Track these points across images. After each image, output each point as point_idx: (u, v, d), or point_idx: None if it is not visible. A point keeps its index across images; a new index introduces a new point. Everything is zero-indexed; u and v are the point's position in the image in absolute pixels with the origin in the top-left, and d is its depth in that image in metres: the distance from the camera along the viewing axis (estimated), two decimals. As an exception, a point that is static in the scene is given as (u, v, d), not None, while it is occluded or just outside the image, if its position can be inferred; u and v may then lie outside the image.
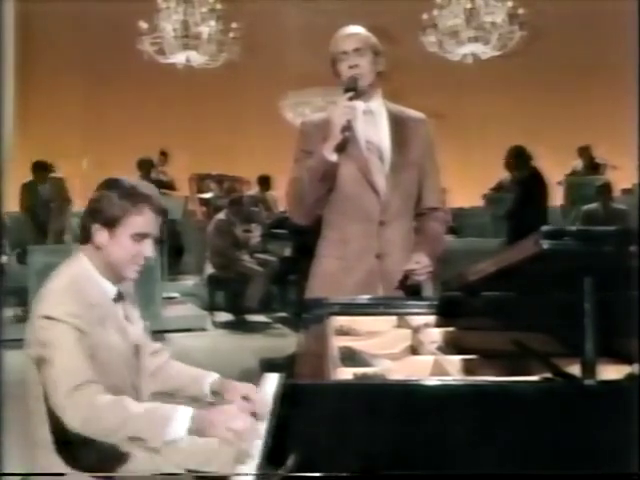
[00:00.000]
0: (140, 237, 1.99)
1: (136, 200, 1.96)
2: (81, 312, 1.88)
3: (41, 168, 9.37)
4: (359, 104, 2.76)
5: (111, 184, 2.01)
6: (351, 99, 2.69)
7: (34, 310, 1.92)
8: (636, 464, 1.44)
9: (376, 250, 2.78)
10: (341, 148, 2.70)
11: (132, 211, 1.96)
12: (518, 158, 7.24)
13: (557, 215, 9.74)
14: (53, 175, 9.35)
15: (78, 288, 1.93)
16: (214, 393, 2.09)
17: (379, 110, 2.85)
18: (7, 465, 2.45)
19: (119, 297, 2.06)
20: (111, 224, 1.96)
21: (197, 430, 1.77)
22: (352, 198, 2.78)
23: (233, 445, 1.74)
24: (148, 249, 2.01)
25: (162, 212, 2.04)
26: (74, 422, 1.79)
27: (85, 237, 2.01)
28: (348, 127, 2.69)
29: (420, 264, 2.75)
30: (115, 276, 2.03)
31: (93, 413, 1.78)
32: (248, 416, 1.82)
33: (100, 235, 1.97)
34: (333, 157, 2.68)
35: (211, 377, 2.13)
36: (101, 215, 1.96)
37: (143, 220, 1.98)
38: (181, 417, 1.77)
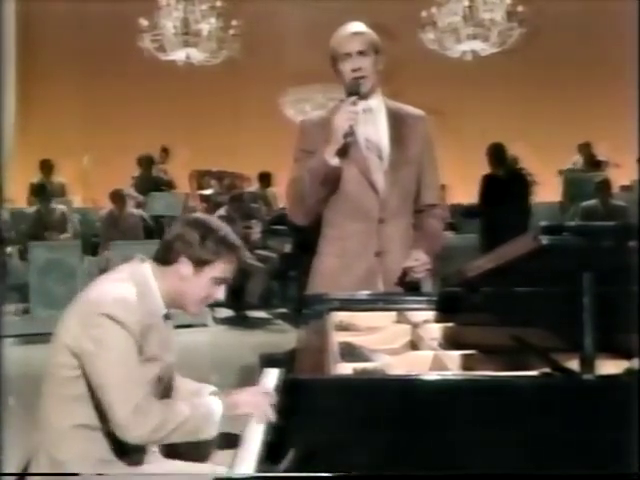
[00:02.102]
0: (219, 281, 2.06)
1: (230, 249, 2.04)
2: (141, 318, 1.92)
3: (47, 166, 9.44)
4: (359, 104, 2.75)
5: (209, 224, 2.06)
6: (354, 103, 2.68)
7: (89, 304, 1.93)
8: (636, 464, 1.45)
9: (375, 248, 2.78)
10: (343, 152, 2.69)
11: (224, 259, 2.02)
12: (496, 156, 7.21)
13: (556, 211, 9.76)
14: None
15: (142, 295, 1.97)
16: None
17: (378, 107, 2.84)
18: (7, 465, 2.45)
19: (168, 317, 2.09)
20: (201, 263, 2.01)
21: (227, 412, 1.94)
22: (351, 196, 2.78)
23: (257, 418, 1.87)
24: (220, 292, 2.12)
25: (243, 263, 2.13)
26: (138, 435, 1.85)
27: (167, 260, 2.04)
28: (351, 132, 2.67)
29: (419, 261, 2.75)
30: (176, 304, 2.08)
31: (155, 425, 1.84)
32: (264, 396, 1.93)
33: (185, 268, 2.01)
34: (334, 161, 2.68)
35: (209, 389, 2.17)
36: (194, 253, 2.00)
37: (228, 268, 2.05)
38: (216, 405, 1.94)
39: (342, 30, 2.79)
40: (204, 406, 1.94)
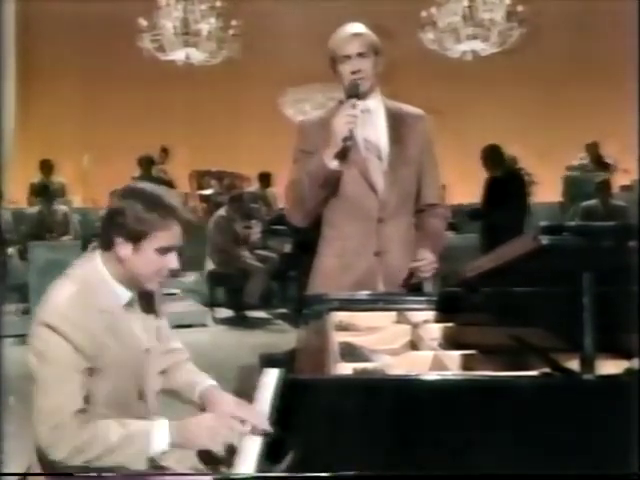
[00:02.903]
0: (165, 251, 1.91)
1: (163, 214, 1.87)
2: (87, 323, 1.83)
3: (47, 166, 9.44)
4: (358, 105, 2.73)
5: (136, 194, 1.91)
6: (354, 106, 2.66)
7: (38, 312, 1.86)
8: (636, 464, 1.45)
9: (375, 248, 2.78)
10: (342, 156, 2.69)
11: (159, 226, 1.87)
12: (493, 157, 7.27)
13: (556, 211, 9.76)
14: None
15: (88, 294, 1.88)
16: (201, 400, 2.05)
17: (377, 108, 2.83)
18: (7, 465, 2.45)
19: (131, 303, 2.00)
20: (136, 239, 1.87)
21: (179, 442, 1.82)
22: (351, 197, 2.78)
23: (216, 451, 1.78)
24: (173, 261, 1.94)
25: (188, 223, 1.96)
26: (56, 456, 1.79)
27: (106, 245, 1.93)
28: (350, 136, 2.66)
29: (426, 261, 2.75)
30: (134, 285, 1.97)
31: (74, 447, 1.77)
32: (227, 426, 1.82)
33: (123, 248, 1.88)
34: (333, 165, 2.67)
35: (204, 384, 2.08)
36: (126, 229, 1.87)
37: (170, 234, 1.90)
38: (160, 433, 1.81)
39: (341, 31, 2.77)
40: (140, 437, 1.81)
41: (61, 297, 1.86)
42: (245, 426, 1.78)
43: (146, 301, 2.08)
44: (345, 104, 2.69)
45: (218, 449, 1.78)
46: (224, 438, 1.78)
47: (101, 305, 1.90)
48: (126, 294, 1.97)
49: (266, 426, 1.71)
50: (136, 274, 1.93)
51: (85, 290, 1.88)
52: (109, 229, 1.91)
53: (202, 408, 2.02)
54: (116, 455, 1.79)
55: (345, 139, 2.64)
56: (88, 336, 1.82)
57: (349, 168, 2.74)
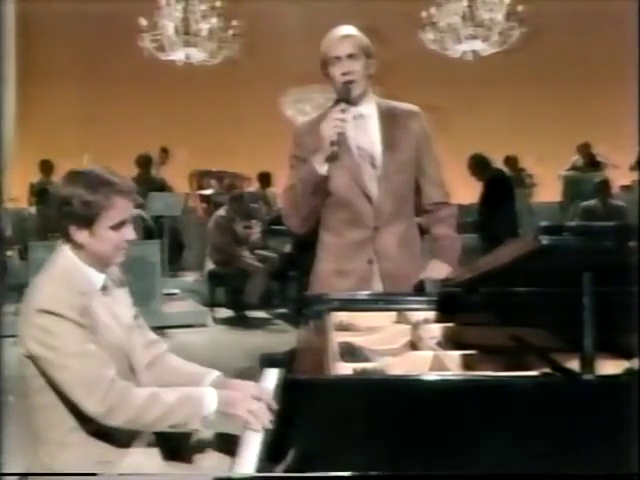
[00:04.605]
0: (119, 226, 1.95)
1: (106, 193, 1.90)
2: (75, 300, 1.87)
3: (47, 167, 9.44)
4: (350, 110, 2.71)
5: (76, 179, 1.94)
6: (343, 111, 2.64)
7: (27, 304, 1.89)
8: (636, 464, 1.45)
9: (369, 255, 2.78)
10: (332, 159, 2.67)
11: (105, 205, 1.90)
12: (479, 165, 7.71)
13: (556, 211, 9.76)
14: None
15: (69, 279, 1.92)
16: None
17: (370, 113, 2.81)
18: (7, 465, 2.44)
19: (106, 286, 2.04)
20: (88, 223, 1.91)
21: (222, 408, 1.89)
22: (346, 204, 2.77)
23: (251, 424, 1.80)
24: (129, 233, 1.98)
25: (132, 192, 1.99)
26: (117, 423, 1.83)
27: (64, 236, 1.96)
28: (337, 141, 2.63)
29: (441, 275, 2.74)
30: (102, 265, 2.01)
31: (134, 412, 1.82)
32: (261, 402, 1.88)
33: (79, 235, 1.93)
34: (323, 169, 2.66)
35: (212, 375, 2.12)
36: (76, 217, 1.91)
37: (118, 210, 1.93)
38: (210, 397, 1.89)
39: (332, 33, 2.76)
40: (196, 397, 1.90)
41: (45, 284, 1.91)
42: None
43: (119, 284, 2.14)
44: (334, 108, 2.67)
45: (255, 420, 1.80)
46: (260, 417, 1.81)
47: (81, 288, 1.93)
48: (100, 277, 2.01)
49: (267, 423, 1.77)
50: (99, 255, 1.97)
51: (64, 276, 1.93)
52: (61, 219, 1.94)
53: None
54: (175, 415, 1.86)
55: (332, 143, 2.62)
56: (80, 311, 1.86)
57: (343, 175, 2.73)
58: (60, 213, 1.94)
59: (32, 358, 1.87)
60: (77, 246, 1.96)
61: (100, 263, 2.00)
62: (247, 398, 1.88)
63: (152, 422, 1.85)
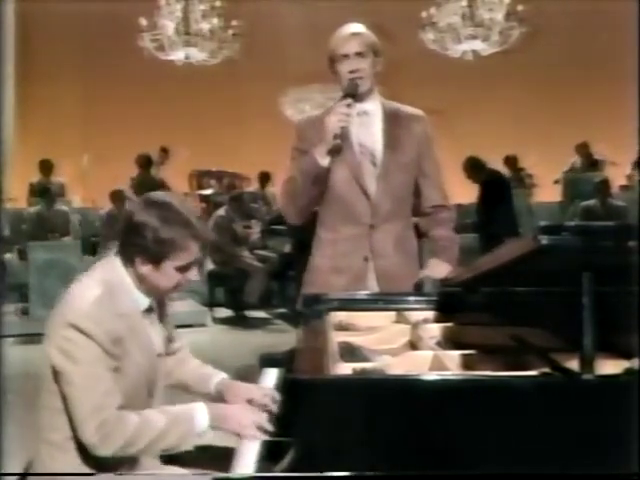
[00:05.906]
0: (186, 268, 1.90)
1: (183, 235, 1.84)
2: (111, 325, 1.82)
3: (47, 166, 9.43)
4: (355, 106, 2.71)
5: (153, 208, 1.86)
6: (348, 105, 2.64)
7: (61, 311, 1.85)
8: (636, 464, 1.45)
9: (365, 253, 2.78)
10: (335, 152, 2.68)
11: (179, 247, 1.84)
12: (474, 168, 7.72)
13: (556, 211, 9.76)
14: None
15: (111, 297, 1.87)
16: (218, 393, 2.08)
17: (374, 111, 2.82)
18: (7, 465, 2.44)
19: (149, 309, 2.00)
20: (156, 260, 1.86)
21: (214, 423, 1.87)
22: (343, 200, 2.77)
23: (245, 438, 1.79)
24: (193, 275, 1.93)
25: (207, 240, 1.94)
26: (108, 453, 1.80)
27: (126, 261, 1.91)
28: (341, 134, 2.64)
29: (441, 275, 2.74)
30: (153, 294, 1.97)
31: (125, 441, 1.79)
32: (256, 413, 1.87)
33: (144, 267, 1.87)
34: (325, 162, 2.67)
35: (218, 377, 2.12)
36: (145, 251, 1.85)
37: (189, 253, 1.87)
38: (201, 414, 1.87)
39: (340, 31, 2.77)
40: (187, 416, 1.86)
41: (86, 299, 1.84)
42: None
43: (159, 307, 2.09)
44: (340, 102, 2.68)
45: (249, 434, 1.80)
46: (254, 424, 1.81)
47: (122, 309, 1.89)
48: (145, 300, 1.97)
49: (260, 434, 1.77)
50: (157, 287, 1.93)
51: (108, 294, 1.87)
52: (128, 246, 1.89)
53: (217, 399, 2.05)
54: (167, 439, 1.83)
55: (336, 136, 2.63)
56: (112, 338, 1.82)
57: (343, 171, 2.74)
58: (129, 240, 1.88)
59: (53, 367, 1.84)
60: (134, 272, 1.90)
61: (151, 291, 1.95)
62: (240, 411, 1.87)
63: (144, 448, 1.82)
